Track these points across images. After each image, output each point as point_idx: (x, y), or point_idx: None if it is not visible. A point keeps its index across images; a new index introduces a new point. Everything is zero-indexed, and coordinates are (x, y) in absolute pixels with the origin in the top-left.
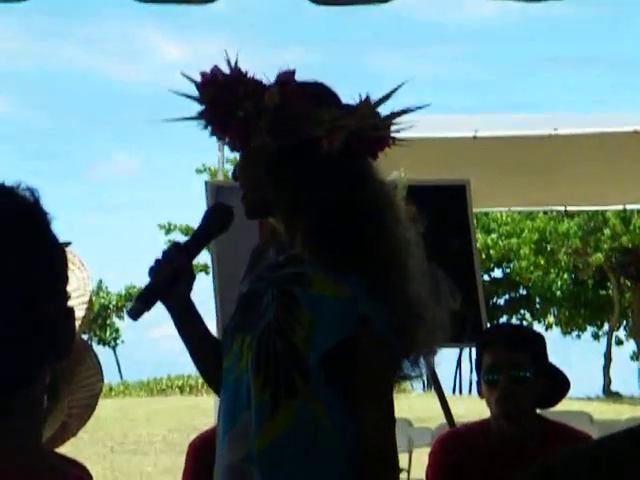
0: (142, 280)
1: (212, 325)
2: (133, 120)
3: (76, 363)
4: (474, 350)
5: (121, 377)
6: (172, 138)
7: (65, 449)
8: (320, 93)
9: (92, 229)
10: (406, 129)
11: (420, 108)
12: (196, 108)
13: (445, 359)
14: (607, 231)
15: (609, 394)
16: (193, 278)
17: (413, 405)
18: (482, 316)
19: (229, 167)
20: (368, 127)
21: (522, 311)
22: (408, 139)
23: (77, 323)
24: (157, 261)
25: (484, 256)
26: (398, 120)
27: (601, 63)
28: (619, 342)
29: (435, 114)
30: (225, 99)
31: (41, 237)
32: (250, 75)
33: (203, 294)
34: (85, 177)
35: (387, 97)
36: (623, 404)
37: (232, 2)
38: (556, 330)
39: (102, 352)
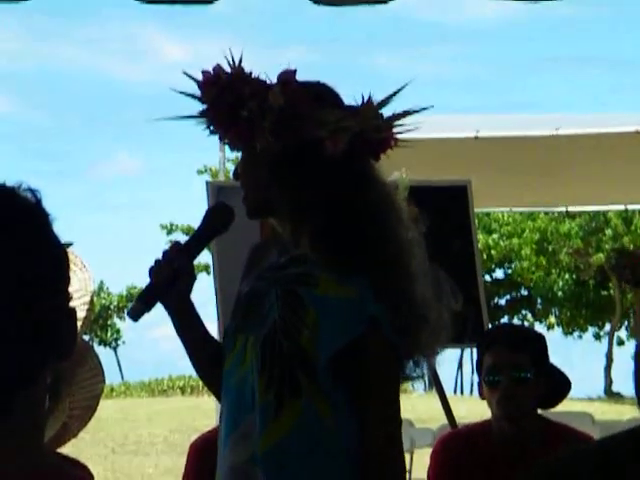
0: (143, 280)
1: (213, 326)
2: (134, 120)
3: (77, 364)
4: (475, 351)
5: (122, 378)
6: (173, 138)
7: (66, 450)
8: (323, 94)
9: (93, 229)
10: (408, 131)
11: (423, 109)
12: (198, 108)
13: (446, 360)
14: (609, 231)
15: (610, 395)
16: (193, 279)
17: (415, 406)
18: (483, 316)
19: (230, 167)
20: (371, 129)
21: (523, 311)
22: (409, 140)
23: (78, 324)
24: (157, 261)
25: (485, 256)
26: (400, 122)
27: (601, 63)
28: (620, 342)
29: (436, 114)
30: (228, 98)
31: (43, 238)
32: (253, 75)
33: (204, 294)
34: (86, 177)
35: (390, 99)
36: (625, 405)
37: (232, 2)
38: (557, 330)
39: (103, 353)
